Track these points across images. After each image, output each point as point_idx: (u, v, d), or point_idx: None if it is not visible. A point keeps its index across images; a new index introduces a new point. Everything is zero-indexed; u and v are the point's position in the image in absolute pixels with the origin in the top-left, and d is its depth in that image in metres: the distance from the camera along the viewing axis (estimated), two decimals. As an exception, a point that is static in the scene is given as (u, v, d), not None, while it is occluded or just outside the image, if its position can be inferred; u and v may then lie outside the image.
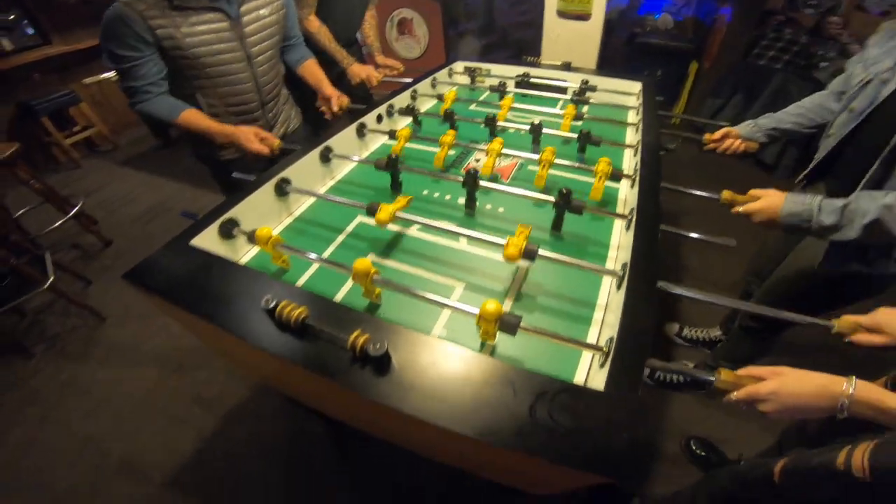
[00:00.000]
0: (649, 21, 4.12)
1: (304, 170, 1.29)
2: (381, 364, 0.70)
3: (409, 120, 1.74)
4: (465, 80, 2.14)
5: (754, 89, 3.36)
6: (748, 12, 3.49)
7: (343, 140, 1.45)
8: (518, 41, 5.69)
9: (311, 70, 1.69)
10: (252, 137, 1.38)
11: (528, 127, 1.47)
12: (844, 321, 0.79)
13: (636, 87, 1.88)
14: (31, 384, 2.08)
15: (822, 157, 1.21)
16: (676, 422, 1.73)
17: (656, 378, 1.85)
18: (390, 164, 1.25)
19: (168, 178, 3.69)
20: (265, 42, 1.47)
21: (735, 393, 0.69)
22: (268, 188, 1.18)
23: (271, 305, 0.76)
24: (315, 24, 1.95)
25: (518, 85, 2.00)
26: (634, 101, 1.79)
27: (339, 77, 1.98)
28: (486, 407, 0.64)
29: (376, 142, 1.64)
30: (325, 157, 1.37)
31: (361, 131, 1.55)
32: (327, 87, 1.64)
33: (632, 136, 1.55)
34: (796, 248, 1.34)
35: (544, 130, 1.46)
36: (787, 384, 0.66)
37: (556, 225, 1.12)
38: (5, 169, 2.43)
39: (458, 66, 2.21)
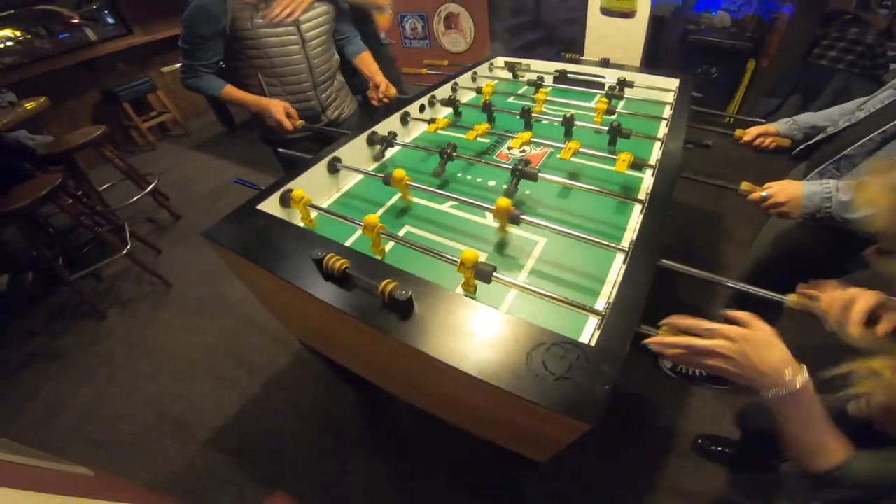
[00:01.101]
0: (705, 18, 4.04)
1: (353, 151, 1.44)
2: (406, 309, 0.82)
3: (449, 110, 1.85)
4: (506, 74, 2.23)
5: (813, 89, 3.24)
6: (810, 11, 3.37)
7: (388, 126, 1.59)
8: (564, 38, 5.69)
9: (366, 62, 1.86)
10: (280, 109, 1.57)
11: (561, 119, 1.55)
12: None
13: (674, 83, 1.91)
14: (104, 344, 2.35)
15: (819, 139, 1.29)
16: (692, 419, 1.76)
17: (678, 371, 1.88)
18: (444, 154, 1.37)
19: (232, 161, 4.01)
20: (317, 29, 1.64)
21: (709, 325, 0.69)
22: (321, 166, 1.34)
23: (319, 256, 0.90)
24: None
25: (556, 80, 2.07)
26: (671, 98, 1.82)
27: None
28: (490, 350, 0.75)
29: (418, 129, 1.77)
30: (371, 141, 1.51)
31: (405, 119, 1.68)
32: (379, 77, 1.80)
33: (664, 131, 1.59)
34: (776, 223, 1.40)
35: (577, 123, 1.54)
36: (756, 339, 0.66)
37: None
38: (93, 148, 2.75)
39: (499, 60, 2.30)
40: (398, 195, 1.35)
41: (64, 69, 3.93)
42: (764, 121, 1.52)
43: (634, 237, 0.98)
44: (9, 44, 3.95)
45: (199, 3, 1.42)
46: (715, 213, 2.84)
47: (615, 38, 2.82)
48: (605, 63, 2.14)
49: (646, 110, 1.76)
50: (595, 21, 2.86)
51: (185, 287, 2.64)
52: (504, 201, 1.06)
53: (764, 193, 1.11)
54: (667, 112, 1.75)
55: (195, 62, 1.52)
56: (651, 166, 1.27)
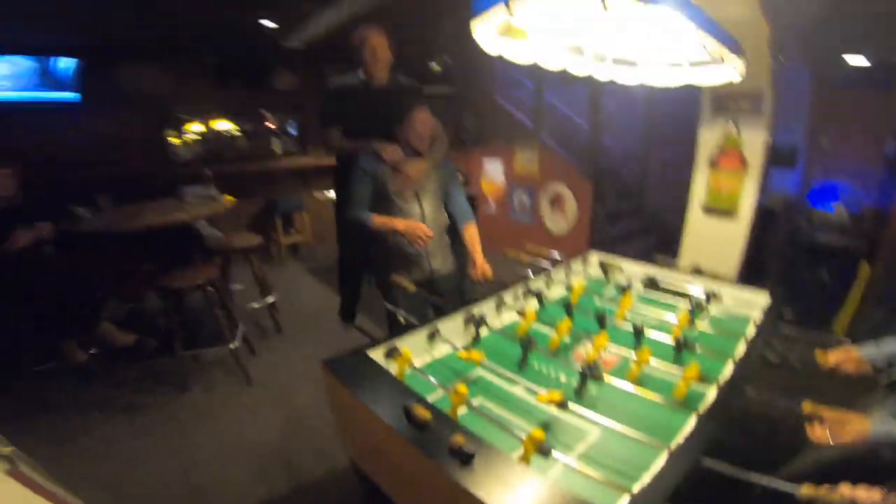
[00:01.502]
0: (818, 216, 3.88)
1: (451, 325, 1.73)
2: (466, 459, 0.98)
3: (535, 302, 2.06)
4: (599, 272, 2.45)
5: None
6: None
7: (482, 308, 1.87)
8: (666, 227, 5.90)
9: (470, 234, 2.28)
10: (419, 230, 2.04)
11: (633, 327, 1.70)
12: None
13: (763, 297, 1.98)
14: (175, 411, 2.69)
15: None
16: None
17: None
18: (524, 343, 1.59)
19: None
20: (431, 193, 2.22)
21: None
22: (422, 333, 1.63)
23: (409, 405, 1.11)
24: (337, 139, 2.74)
25: (644, 286, 2.25)
26: (757, 314, 1.87)
27: None
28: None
29: (510, 315, 1.98)
30: (467, 321, 1.78)
31: (500, 305, 1.94)
32: (478, 255, 2.20)
33: (741, 349, 1.65)
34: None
35: (655, 335, 1.68)
36: None
37: (578, 391, 1.40)
38: (243, 253, 3.38)
39: (593, 257, 2.54)
40: (480, 370, 1.56)
41: (248, 173, 4.95)
42: (849, 340, 1.50)
43: (682, 440, 1.07)
44: (226, 134, 5.13)
45: (360, 165, 2.13)
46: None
47: (714, 238, 2.86)
48: (696, 271, 2.28)
49: (729, 326, 1.83)
50: (695, 219, 2.96)
51: (263, 387, 2.94)
52: (557, 394, 1.23)
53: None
54: (750, 329, 1.77)
55: (354, 198, 2.15)
56: (716, 383, 1.34)
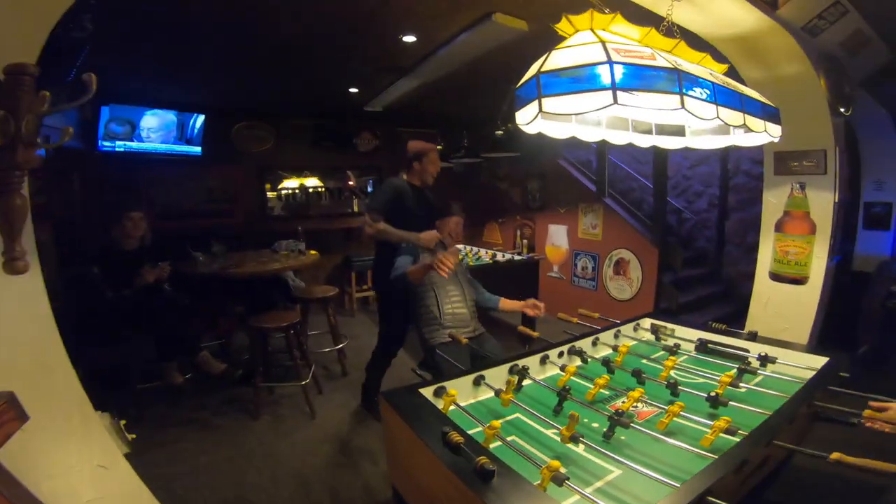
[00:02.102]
0: None
1: (495, 373, 1.89)
2: (488, 476, 1.12)
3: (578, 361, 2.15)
4: (649, 336, 2.47)
5: None
6: None
7: (527, 361, 2.01)
8: (744, 295, 5.53)
9: (505, 303, 2.74)
10: (445, 257, 2.25)
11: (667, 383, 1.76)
12: None
13: (820, 362, 1.92)
14: (243, 435, 2.98)
15: None
16: None
17: None
18: (561, 392, 1.72)
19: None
20: (459, 274, 2.72)
21: None
22: (469, 378, 1.81)
23: (446, 431, 1.28)
24: (382, 224, 2.85)
25: (697, 349, 2.24)
26: (810, 375, 1.82)
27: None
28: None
29: (552, 370, 2.10)
30: (511, 371, 1.93)
31: (544, 360, 2.08)
32: (517, 304, 2.64)
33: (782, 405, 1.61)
34: None
35: (696, 392, 1.70)
36: None
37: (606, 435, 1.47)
38: (320, 302, 3.76)
39: (646, 322, 2.57)
40: (516, 414, 1.69)
41: (330, 230, 5.50)
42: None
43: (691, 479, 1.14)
44: (311, 192, 5.80)
45: (402, 255, 2.61)
46: None
47: (785, 304, 2.74)
48: (752, 336, 2.23)
49: (778, 386, 1.79)
50: (763, 286, 2.86)
51: (323, 423, 3.17)
52: (570, 429, 1.37)
53: None
54: (799, 388, 1.72)
55: (399, 266, 2.58)
56: (744, 434, 1.36)
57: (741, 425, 1.40)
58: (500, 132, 4.15)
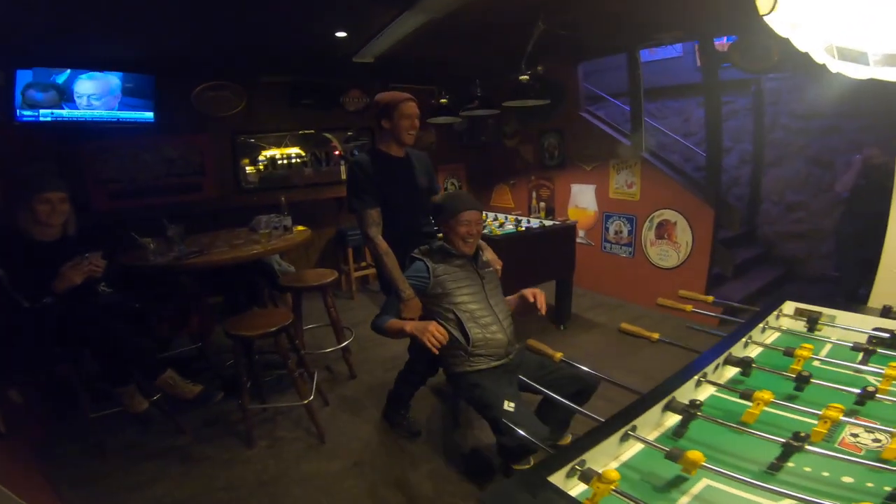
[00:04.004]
0: None
1: (646, 419, 1.16)
2: None
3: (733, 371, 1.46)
4: (795, 325, 1.80)
5: None
6: None
7: (685, 393, 1.29)
8: (787, 256, 5.07)
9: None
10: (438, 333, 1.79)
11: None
12: None
13: None
14: (236, 469, 2.32)
15: None
16: None
17: None
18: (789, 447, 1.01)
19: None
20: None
21: None
22: (613, 436, 1.07)
23: None
24: (384, 246, 2.20)
25: (876, 345, 1.56)
26: None
27: None
28: None
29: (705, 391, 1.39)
30: (671, 408, 1.21)
31: (700, 381, 1.35)
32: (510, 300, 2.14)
33: None
34: None
35: None
36: None
37: None
38: (317, 290, 3.00)
39: (789, 307, 1.87)
40: (705, 480, 0.97)
41: (318, 200, 4.72)
42: None
43: None
44: (294, 161, 4.97)
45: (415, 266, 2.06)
46: None
47: None
48: None
49: None
50: None
51: (336, 447, 2.50)
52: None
53: None
54: None
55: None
56: None
57: None
58: (525, 77, 3.36)
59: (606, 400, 1.87)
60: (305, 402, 2.50)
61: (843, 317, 1.69)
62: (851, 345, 1.48)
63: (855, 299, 2.86)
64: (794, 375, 1.32)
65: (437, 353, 1.80)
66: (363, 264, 5.04)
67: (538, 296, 1.97)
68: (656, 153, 4.39)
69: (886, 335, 1.50)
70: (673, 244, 4.06)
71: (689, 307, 1.91)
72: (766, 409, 1.17)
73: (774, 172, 5.23)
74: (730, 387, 1.34)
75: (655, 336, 1.73)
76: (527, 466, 1.78)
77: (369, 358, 3.50)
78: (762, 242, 5.36)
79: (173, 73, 4.15)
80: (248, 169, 4.90)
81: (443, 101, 4.28)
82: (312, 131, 5.15)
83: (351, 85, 5.13)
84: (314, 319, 3.66)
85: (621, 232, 4.49)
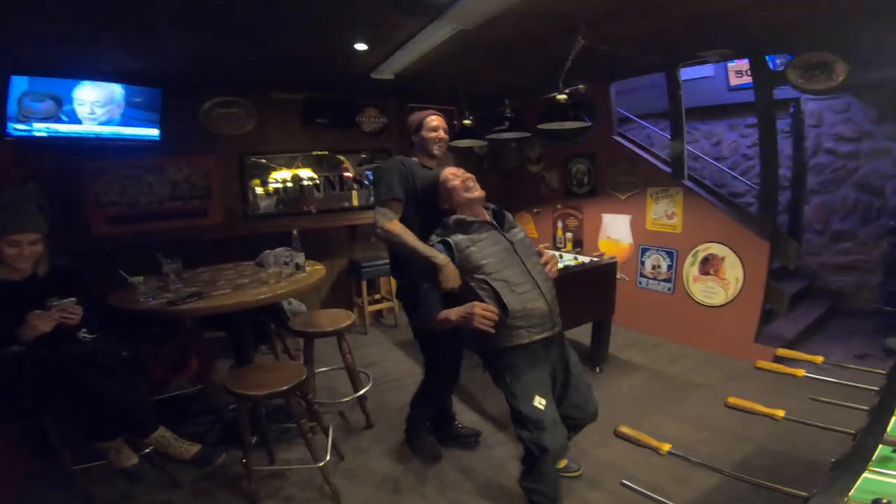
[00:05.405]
0: None
1: None
2: None
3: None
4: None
5: None
6: None
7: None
8: (832, 289, 4.68)
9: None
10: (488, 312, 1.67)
11: None
12: None
13: None
14: None
15: None
16: None
17: None
18: None
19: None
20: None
21: None
22: None
23: None
24: (399, 227, 2.02)
25: None
26: None
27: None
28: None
29: None
30: None
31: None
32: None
33: None
34: None
35: None
36: None
37: None
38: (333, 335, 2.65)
39: None
40: None
41: (329, 228, 4.43)
42: None
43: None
44: (305, 184, 4.68)
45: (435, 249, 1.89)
46: None
47: None
48: None
49: None
50: None
51: None
52: None
53: None
54: None
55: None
56: None
57: None
58: (563, 96, 3.06)
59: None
60: (320, 464, 2.15)
61: None
62: None
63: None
64: None
65: (493, 332, 1.68)
66: (377, 296, 4.69)
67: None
68: (700, 181, 4.06)
69: None
70: (721, 280, 3.70)
71: (799, 372, 1.56)
72: None
73: (817, 199, 4.89)
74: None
75: (780, 414, 1.36)
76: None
77: (387, 403, 3.14)
78: (804, 275, 4.98)
79: (181, 88, 3.90)
80: (259, 191, 4.60)
81: (466, 122, 3.98)
82: (326, 152, 4.85)
83: (368, 103, 4.87)
84: (326, 361, 3.29)
85: (660, 266, 4.13)
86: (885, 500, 0.86)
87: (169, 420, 2.21)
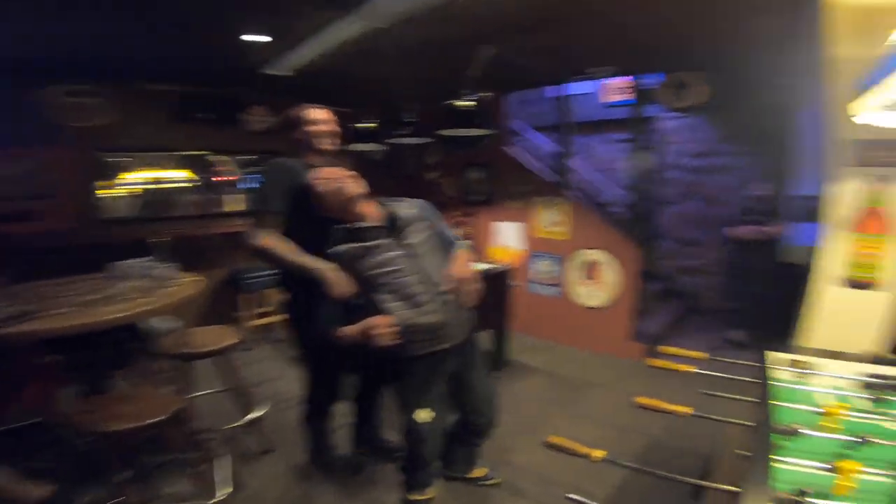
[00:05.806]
0: None
1: None
2: None
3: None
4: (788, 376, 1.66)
5: None
6: None
7: None
8: (687, 292, 5.32)
9: None
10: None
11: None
12: None
13: None
14: None
15: None
16: None
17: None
18: None
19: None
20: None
21: None
22: None
23: None
24: (271, 241, 1.92)
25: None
26: None
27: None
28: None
29: None
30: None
31: None
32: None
33: None
34: None
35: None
36: None
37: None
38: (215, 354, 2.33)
39: (775, 358, 1.74)
40: None
41: (205, 235, 4.01)
42: None
43: None
44: (177, 186, 4.17)
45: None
46: None
47: (849, 313, 2.21)
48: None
49: None
50: (828, 292, 2.25)
51: None
52: None
53: None
54: None
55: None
56: None
57: None
58: (471, 103, 3.08)
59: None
60: (211, 502, 1.85)
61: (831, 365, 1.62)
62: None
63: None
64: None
65: (401, 340, 1.65)
66: (262, 310, 4.27)
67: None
68: (583, 190, 4.39)
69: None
70: (600, 283, 4.03)
71: (691, 368, 1.70)
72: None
73: (675, 209, 5.54)
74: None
75: (689, 411, 1.45)
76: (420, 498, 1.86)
77: (286, 423, 2.76)
78: (662, 277, 5.64)
79: (16, 70, 3.21)
80: (118, 192, 3.95)
81: (371, 125, 3.83)
82: (204, 152, 4.35)
83: (257, 100, 4.47)
84: (209, 382, 2.83)
85: (548, 271, 4.37)
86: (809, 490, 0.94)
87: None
